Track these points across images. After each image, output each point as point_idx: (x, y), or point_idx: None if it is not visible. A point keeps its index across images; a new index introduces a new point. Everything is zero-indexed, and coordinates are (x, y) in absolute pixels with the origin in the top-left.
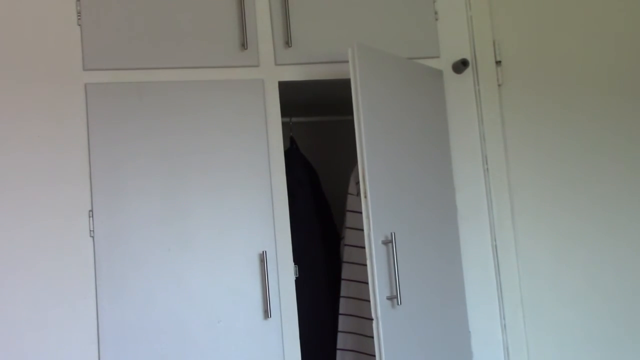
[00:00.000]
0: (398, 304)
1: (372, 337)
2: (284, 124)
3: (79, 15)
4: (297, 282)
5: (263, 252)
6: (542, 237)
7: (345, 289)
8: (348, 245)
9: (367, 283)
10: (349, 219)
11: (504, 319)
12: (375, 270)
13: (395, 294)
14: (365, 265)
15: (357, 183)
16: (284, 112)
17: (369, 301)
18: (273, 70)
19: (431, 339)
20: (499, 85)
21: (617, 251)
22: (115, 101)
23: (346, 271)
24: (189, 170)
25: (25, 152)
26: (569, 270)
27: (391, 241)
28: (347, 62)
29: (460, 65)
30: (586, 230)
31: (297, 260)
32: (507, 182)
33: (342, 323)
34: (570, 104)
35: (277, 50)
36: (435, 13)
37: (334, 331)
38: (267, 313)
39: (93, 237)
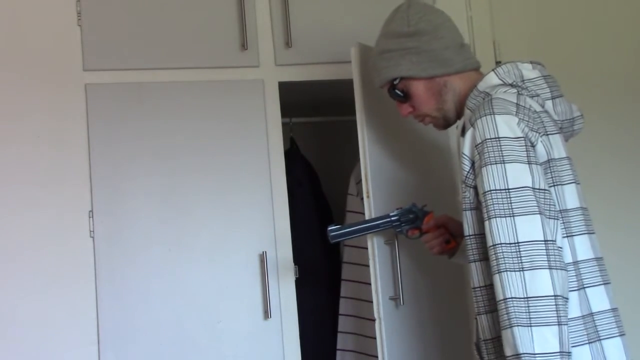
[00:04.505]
0: (401, 304)
1: (372, 338)
2: (284, 125)
3: (79, 16)
4: (297, 282)
5: (263, 252)
6: None
7: (345, 289)
8: (348, 245)
9: (367, 283)
10: (349, 220)
11: None
12: (377, 270)
13: (397, 294)
14: (366, 265)
15: (358, 183)
16: (284, 112)
17: (369, 302)
18: (273, 70)
19: (433, 340)
20: None
21: (619, 250)
22: (115, 101)
23: (346, 272)
24: (189, 170)
25: (25, 152)
26: None
27: (394, 241)
28: (348, 62)
29: None
30: None
31: (297, 260)
32: None
33: (342, 323)
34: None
35: (277, 50)
36: None
37: (334, 332)
38: (267, 313)
39: (93, 237)
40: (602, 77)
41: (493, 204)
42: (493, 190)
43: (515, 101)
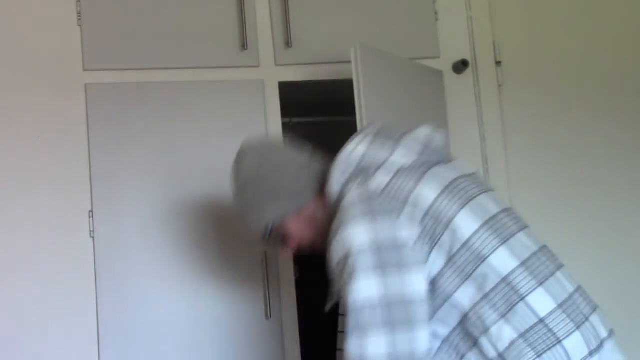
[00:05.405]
0: None
1: None
2: (284, 125)
3: (79, 16)
4: (297, 282)
5: (263, 252)
6: (542, 236)
7: None
8: None
9: None
10: None
11: None
12: None
13: None
14: None
15: None
16: (284, 112)
17: None
18: (273, 70)
19: None
20: (499, 86)
21: (618, 248)
22: (115, 101)
23: None
24: (189, 170)
25: (26, 152)
26: (570, 269)
27: None
28: (348, 62)
29: (461, 66)
30: (586, 228)
31: (297, 260)
32: (507, 182)
33: (342, 323)
34: (570, 103)
35: (278, 50)
36: (435, 13)
37: (334, 331)
38: (267, 313)
39: (93, 237)
40: (602, 76)
41: (348, 323)
42: (349, 308)
43: (362, 197)
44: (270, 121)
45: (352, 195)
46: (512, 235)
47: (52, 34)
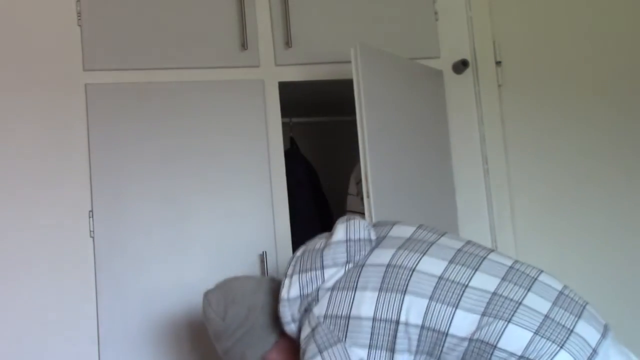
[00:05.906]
0: None
1: None
2: (284, 125)
3: (79, 16)
4: None
5: (263, 252)
6: (542, 237)
7: None
8: None
9: None
10: None
11: None
12: None
13: None
14: None
15: (358, 183)
16: (284, 112)
17: None
18: (273, 70)
19: None
20: (499, 86)
21: (617, 252)
22: (116, 102)
23: None
24: (189, 170)
25: (25, 152)
26: (569, 270)
27: None
28: (348, 62)
29: (460, 66)
30: (586, 230)
31: None
32: (507, 183)
33: None
34: (571, 104)
35: (277, 50)
36: (435, 13)
37: None
38: None
39: (93, 237)
40: (603, 78)
41: None
42: None
43: (311, 334)
44: (270, 121)
45: (303, 332)
46: (465, 287)
47: (52, 34)
